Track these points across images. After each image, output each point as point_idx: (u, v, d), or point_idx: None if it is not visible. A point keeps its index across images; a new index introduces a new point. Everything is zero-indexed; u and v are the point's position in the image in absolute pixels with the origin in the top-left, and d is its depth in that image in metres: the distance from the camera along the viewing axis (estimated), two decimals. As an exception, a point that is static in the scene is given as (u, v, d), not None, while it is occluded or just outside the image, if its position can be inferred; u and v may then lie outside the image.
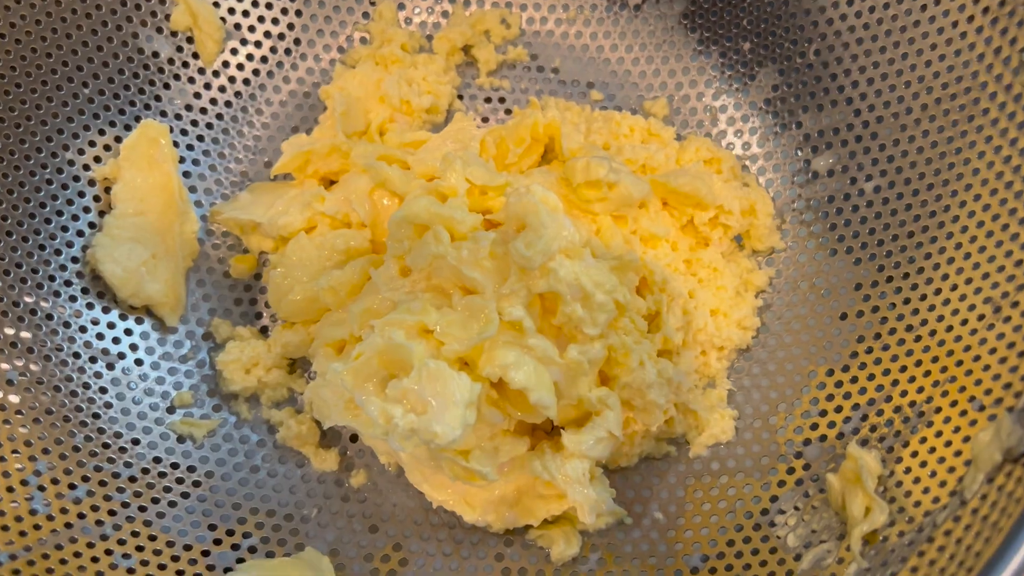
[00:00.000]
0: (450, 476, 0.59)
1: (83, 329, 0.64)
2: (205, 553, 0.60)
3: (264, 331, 0.69)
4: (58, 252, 0.64)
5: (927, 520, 0.49)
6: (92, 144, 0.67)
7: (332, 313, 0.65)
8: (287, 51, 0.75)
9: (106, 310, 0.66)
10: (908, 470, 0.54)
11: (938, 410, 0.54)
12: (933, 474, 0.52)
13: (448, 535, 0.64)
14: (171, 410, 0.65)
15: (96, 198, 0.68)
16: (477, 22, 0.76)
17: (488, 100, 0.76)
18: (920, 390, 0.56)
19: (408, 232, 0.58)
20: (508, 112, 0.75)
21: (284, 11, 0.75)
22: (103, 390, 0.63)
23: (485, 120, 0.75)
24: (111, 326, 0.66)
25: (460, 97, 0.76)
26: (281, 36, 0.75)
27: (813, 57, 0.68)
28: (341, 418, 0.59)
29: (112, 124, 0.69)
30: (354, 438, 0.67)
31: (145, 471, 0.62)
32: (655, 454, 0.65)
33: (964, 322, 0.56)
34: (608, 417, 0.60)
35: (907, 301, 0.60)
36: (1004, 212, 0.55)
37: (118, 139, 0.68)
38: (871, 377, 0.60)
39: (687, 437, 0.65)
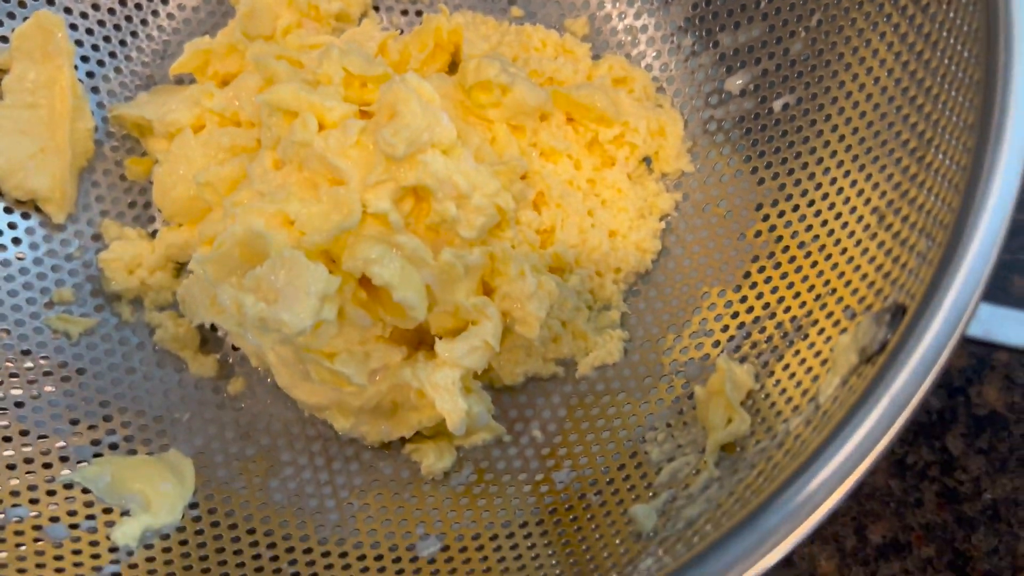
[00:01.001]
0: (316, 379, 0.57)
1: (-39, 217, 0.63)
2: (61, 447, 0.58)
3: (155, 235, 0.67)
4: (-62, 137, 0.63)
5: (783, 427, 0.47)
6: (-15, 34, 0.66)
7: (214, 211, 0.63)
8: (204, -43, 0.73)
9: (-10, 201, 0.65)
10: (777, 383, 0.51)
11: (815, 323, 0.51)
12: (798, 384, 0.49)
13: (322, 447, 0.62)
14: (49, 306, 0.64)
15: (-12, 89, 0.66)
16: (400, -67, 0.74)
17: (405, 12, 0.74)
18: (802, 305, 0.54)
19: (279, 120, 0.56)
20: (423, 25, 0.73)
21: (204, -86, 0.73)
22: (-23, 279, 0.62)
23: (400, 32, 0.73)
24: (-8, 216, 0.64)
25: (376, 8, 0.73)
26: (197, -60, 0.73)
27: (732, -28, 0.66)
28: (207, 314, 0.57)
29: (11, 16, 0.67)
30: (237, 347, 0.65)
31: (10, 361, 0.60)
32: (542, 374, 0.62)
33: (851, 234, 0.53)
34: (485, 327, 0.57)
35: (803, 218, 0.58)
36: (892, 111, 0.52)
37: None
38: (760, 296, 0.57)
39: (575, 358, 0.62)
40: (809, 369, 0.49)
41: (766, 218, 0.60)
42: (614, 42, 0.71)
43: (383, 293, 0.55)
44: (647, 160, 0.67)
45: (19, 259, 0.64)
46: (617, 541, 0.49)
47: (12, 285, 0.63)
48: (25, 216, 0.65)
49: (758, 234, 0.60)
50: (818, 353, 0.50)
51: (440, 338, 0.57)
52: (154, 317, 0.64)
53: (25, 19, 0.67)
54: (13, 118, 0.65)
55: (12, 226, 0.65)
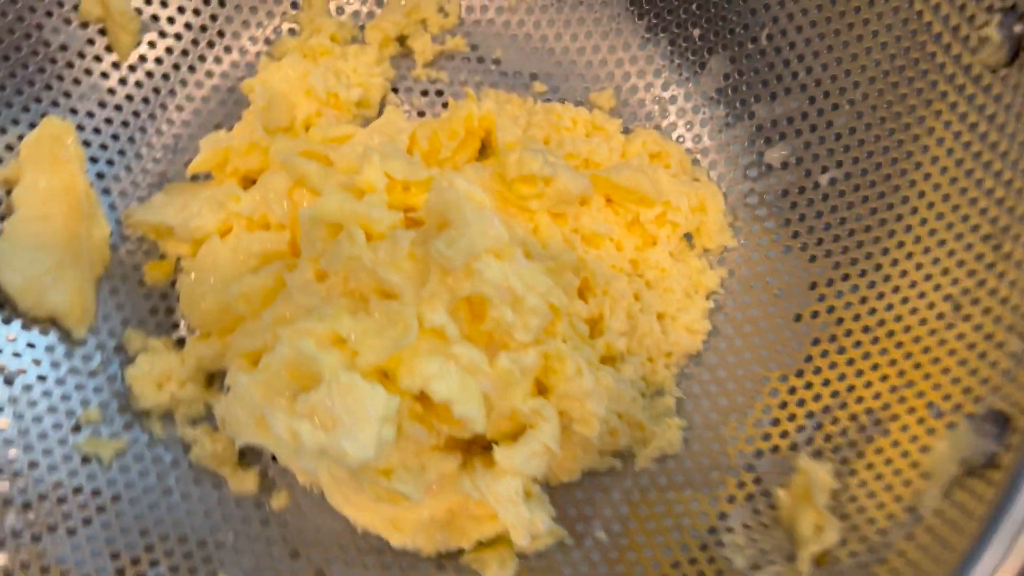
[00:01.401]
0: (372, 497, 0.55)
1: (-21, 343, 0.60)
2: (105, 584, 0.55)
3: (181, 343, 0.64)
4: (-50, 260, 0.60)
5: (880, 539, 0.45)
6: (-9, 144, 0.63)
7: (247, 322, 0.60)
8: (210, 44, 0.71)
9: (6, 321, 0.61)
10: (863, 483, 0.49)
11: (895, 418, 0.50)
12: (888, 488, 0.47)
13: (376, 560, 0.59)
14: (77, 429, 0.60)
15: (-4, 201, 0.63)
16: (413, 10, 0.71)
17: (425, 93, 0.71)
18: (876, 396, 0.52)
19: (321, 232, 0.53)
20: (446, 106, 0.71)
21: (206, 1, 0.70)
22: (-1, 408, 0.59)
23: (421, 114, 0.70)
24: (11, 339, 0.61)
25: (395, 91, 0.71)
26: (203, 28, 0.71)
27: (765, 42, 0.64)
28: (253, 436, 0.54)
29: (15, 122, 0.64)
30: (276, 457, 0.62)
31: (42, 497, 0.57)
32: (598, 468, 0.60)
33: (923, 322, 0.51)
34: (544, 430, 0.55)
35: (864, 300, 0.56)
36: (965, 202, 0.51)
37: (21, 138, 0.64)
38: (826, 383, 0.56)
39: (633, 449, 0.60)
40: (898, 471, 0.48)
41: (822, 298, 0.58)
42: (643, 113, 0.69)
43: (440, 406, 0.53)
44: (688, 236, 0.65)
45: (41, 380, 0.60)
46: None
47: (36, 410, 0.60)
48: (43, 333, 0.62)
49: (815, 315, 0.58)
50: (905, 454, 0.48)
51: (497, 443, 0.55)
52: (188, 432, 0.61)
53: (31, 125, 0.64)
54: (27, 232, 0.62)
55: (31, 345, 0.61)
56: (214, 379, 0.64)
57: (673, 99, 0.69)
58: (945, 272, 0.51)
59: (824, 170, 0.61)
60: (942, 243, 0.52)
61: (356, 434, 0.48)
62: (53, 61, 0.66)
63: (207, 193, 0.63)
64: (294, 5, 0.72)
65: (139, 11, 0.68)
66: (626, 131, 0.68)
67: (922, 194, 0.54)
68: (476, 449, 0.58)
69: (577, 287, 0.61)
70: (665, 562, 0.55)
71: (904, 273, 0.54)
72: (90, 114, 0.67)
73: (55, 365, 0.62)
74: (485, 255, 0.52)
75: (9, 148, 0.63)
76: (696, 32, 0.68)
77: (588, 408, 0.55)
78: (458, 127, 0.63)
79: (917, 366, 0.50)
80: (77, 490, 0.58)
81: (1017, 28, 0.49)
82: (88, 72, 0.67)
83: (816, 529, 0.48)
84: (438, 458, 0.56)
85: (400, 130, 0.64)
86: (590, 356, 0.58)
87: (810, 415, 0.55)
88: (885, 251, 0.56)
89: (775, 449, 0.56)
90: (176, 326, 0.65)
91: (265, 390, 0.52)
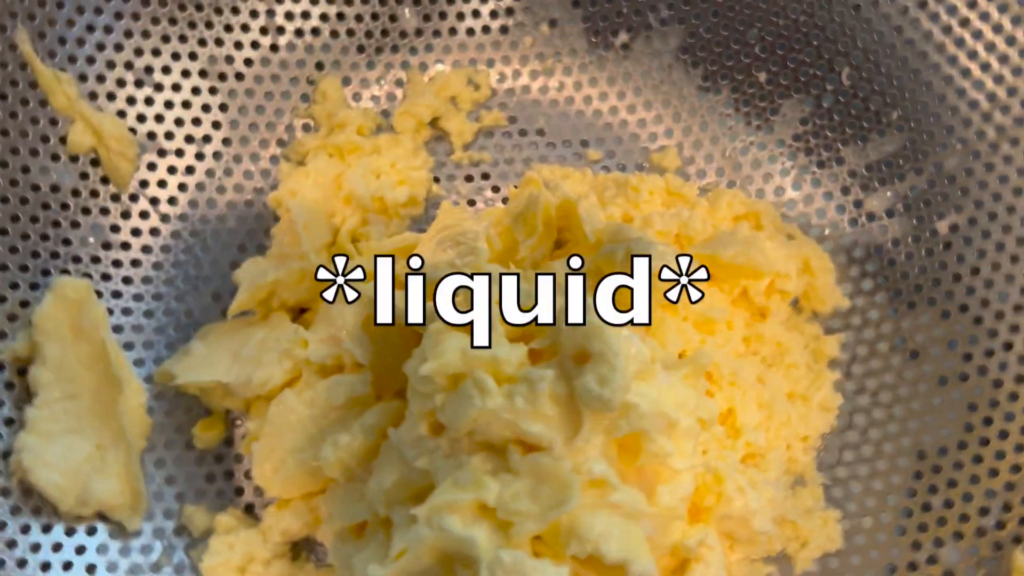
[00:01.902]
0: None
1: (22, 564, 0.50)
2: None
3: (250, 510, 0.56)
4: (-30, 470, 0.50)
5: None
6: (-9, 319, 0.53)
7: (339, 484, 0.52)
8: (216, 155, 0.61)
9: (47, 528, 0.52)
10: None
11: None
12: None
13: None
14: (155, 639, 0.51)
15: (8, 385, 0.53)
16: (440, 89, 0.64)
17: (469, 178, 0.64)
18: (1076, 467, 0.48)
19: (440, 385, 0.46)
20: (496, 189, 0.63)
21: (206, 108, 0.61)
22: (64, 636, 0.49)
23: (471, 203, 0.63)
24: (57, 548, 0.51)
25: (436, 180, 0.63)
26: (207, 138, 0.61)
27: (846, 82, 0.59)
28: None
29: (14, 287, 0.54)
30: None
31: None
32: (755, 579, 0.54)
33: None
34: (710, 561, 0.49)
35: (1022, 360, 0.51)
36: None
37: (24, 304, 0.54)
38: (1000, 455, 0.51)
39: (787, 551, 0.54)
40: None
41: (968, 358, 0.54)
42: (712, 170, 0.63)
43: (597, 566, 0.46)
44: (794, 301, 0.59)
45: (99, 589, 0.51)
46: None
47: (105, 629, 0.50)
48: (91, 532, 0.53)
49: (964, 377, 0.53)
50: None
51: (659, 583, 0.48)
52: (284, 618, 0.53)
53: (32, 286, 0.54)
54: (54, 417, 0.52)
55: (80, 551, 0.52)
56: (299, 549, 0.55)
57: (744, 150, 0.63)
58: None
59: (940, 216, 0.56)
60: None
61: (533, 624, 0.41)
62: (46, 206, 0.56)
63: (260, 336, 0.55)
64: (304, 98, 0.63)
65: (133, 131, 0.59)
66: (701, 192, 0.62)
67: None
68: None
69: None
70: None
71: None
72: (95, 259, 0.57)
73: (112, 568, 0.52)
74: (635, 383, 0.45)
75: (12, 319, 0.53)
76: (762, 76, 0.62)
77: (755, 528, 0.49)
78: (535, 222, 0.56)
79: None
80: None
81: None
82: (86, 211, 0.58)
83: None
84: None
85: (473, 234, 0.56)
86: (734, 463, 0.52)
87: (990, 494, 0.50)
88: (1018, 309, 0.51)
89: (958, 536, 0.51)
90: (240, 491, 0.56)
91: (402, 578, 0.44)
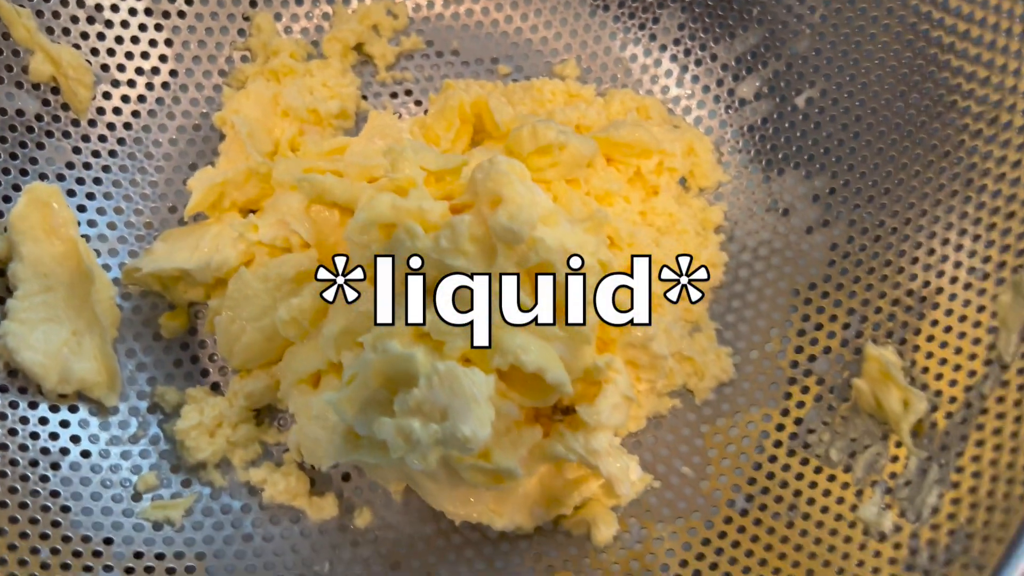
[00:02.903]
0: (473, 484, 0.55)
1: (12, 432, 0.56)
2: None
3: (216, 387, 0.62)
4: (-37, 351, 0.56)
5: (972, 394, 0.50)
6: (-29, 224, 0.59)
7: (295, 347, 0.59)
8: (165, 85, 0.68)
9: (33, 405, 0.58)
10: (929, 355, 0.54)
11: (939, 291, 0.55)
12: (958, 350, 0.52)
13: (476, 552, 0.59)
14: (137, 497, 0.57)
15: (-10, 283, 0.59)
16: (363, 18, 0.72)
17: (394, 95, 0.72)
18: (913, 277, 0.57)
19: (374, 235, 0.53)
20: (418, 103, 0.71)
21: (152, 43, 0.68)
22: (55, 494, 0.55)
23: (398, 116, 0.71)
24: (43, 421, 0.57)
25: (364, 97, 0.71)
26: (155, 70, 0.68)
27: (713, -13, 0.69)
28: (340, 455, 0.54)
29: (-11, 197, 0.60)
30: (346, 476, 0.61)
31: (129, 571, 0.54)
32: (661, 411, 0.62)
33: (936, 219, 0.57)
34: (619, 382, 0.57)
35: (870, 199, 0.61)
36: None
37: (-1, 214, 0.60)
38: (856, 279, 0.60)
39: (688, 386, 0.63)
40: (962, 334, 0.52)
41: (828, 207, 0.63)
42: (607, 77, 0.72)
43: (520, 378, 0.54)
44: (682, 180, 0.68)
45: (85, 456, 0.57)
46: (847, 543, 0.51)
47: (92, 488, 0.57)
48: (72, 409, 0.59)
49: (826, 223, 0.63)
50: (962, 318, 0.53)
51: (576, 406, 0.56)
52: (252, 474, 0.59)
53: (4, 199, 0.61)
54: (34, 307, 0.58)
55: (65, 424, 0.58)
56: (262, 415, 0.62)
57: (633, 57, 0.72)
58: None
59: (798, 93, 0.65)
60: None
61: (469, 418, 0.48)
62: (12, 128, 0.62)
63: (215, 230, 0.62)
64: (241, 33, 0.71)
65: (88, 63, 0.65)
66: (600, 95, 0.71)
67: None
68: (547, 421, 0.60)
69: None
70: (759, 476, 0.58)
71: (900, 182, 0.59)
72: (60, 177, 0.64)
73: (94, 439, 0.59)
74: (540, 224, 0.53)
75: (-11, 225, 0.60)
76: (642, -11, 0.71)
77: (654, 352, 0.58)
78: (452, 116, 0.64)
79: (945, 242, 0.55)
80: (160, 556, 0.55)
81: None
82: (49, 134, 0.64)
83: (904, 403, 0.52)
84: (526, 431, 0.57)
85: (397, 130, 0.64)
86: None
87: (851, 312, 0.60)
88: (879, 150, 0.61)
89: (827, 350, 0.60)
90: (206, 373, 0.63)
91: (354, 403, 0.51)
